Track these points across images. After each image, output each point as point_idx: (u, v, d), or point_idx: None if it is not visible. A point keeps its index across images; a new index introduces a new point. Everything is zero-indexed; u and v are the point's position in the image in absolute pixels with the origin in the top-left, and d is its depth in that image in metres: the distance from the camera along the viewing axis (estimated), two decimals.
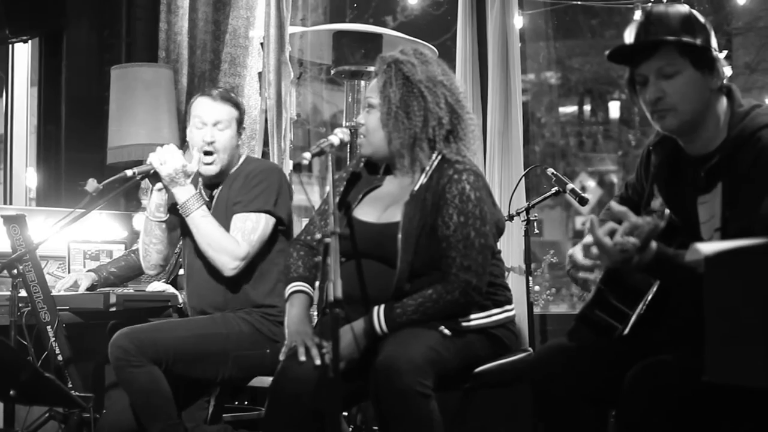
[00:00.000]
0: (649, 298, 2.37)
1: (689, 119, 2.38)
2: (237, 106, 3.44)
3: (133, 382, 3.11)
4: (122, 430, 3.25)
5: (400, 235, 2.74)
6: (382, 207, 2.87)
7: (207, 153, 3.36)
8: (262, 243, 3.33)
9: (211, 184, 3.46)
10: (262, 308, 3.33)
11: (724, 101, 2.43)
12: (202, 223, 3.27)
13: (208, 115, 3.37)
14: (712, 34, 2.40)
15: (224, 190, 3.42)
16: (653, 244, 2.23)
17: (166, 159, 3.25)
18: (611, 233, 2.25)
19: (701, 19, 2.39)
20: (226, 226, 3.32)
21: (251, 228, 3.29)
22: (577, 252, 2.41)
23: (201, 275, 3.36)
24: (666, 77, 2.36)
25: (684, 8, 2.40)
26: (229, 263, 3.26)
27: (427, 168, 2.81)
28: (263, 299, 3.34)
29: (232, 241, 3.26)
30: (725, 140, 2.39)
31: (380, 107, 2.83)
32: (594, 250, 2.30)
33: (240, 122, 3.44)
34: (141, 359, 3.10)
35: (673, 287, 2.35)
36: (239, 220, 3.31)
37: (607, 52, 2.44)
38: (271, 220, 3.34)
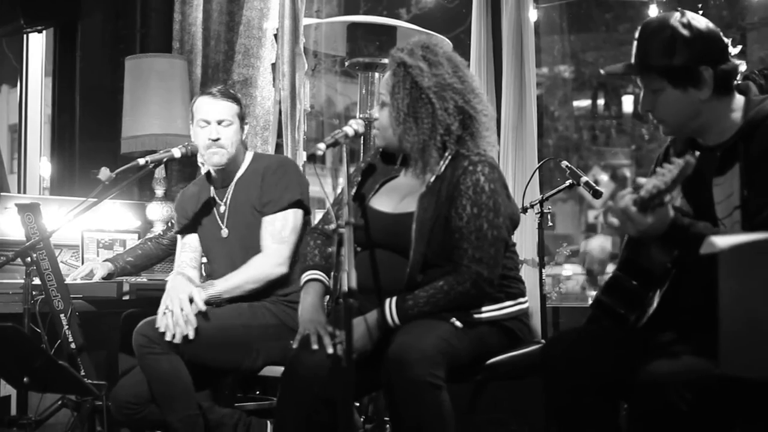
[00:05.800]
0: (664, 289, 2.39)
1: (679, 129, 2.50)
2: (237, 101, 3.50)
3: (155, 369, 3.13)
4: (134, 398, 3.25)
5: (414, 226, 2.74)
6: (398, 197, 2.87)
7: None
8: (297, 235, 3.39)
9: (222, 186, 3.51)
10: (288, 296, 3.35)
11: (732, 101, 2.46)
12: (232, 289, 3.31)
13: (211, 113, 3.43)
14: (709, 45, 2.40)
15: (239, 191, 3.46)
16: (671, 212, 2.25)
17: (173, 302, 3.20)
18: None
19: (688, 34, 2.39)
20: (252, 224, 3.40)
21: (280, 227, 3.37)
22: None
23: (229, 269, 3.39)
24: (654, 92, 2.46)
25: (669, 27, 2.41)
26: (272, 273, 3.34)
27: (440, 168, 2.80)
28: (288, 287, 3.37)
29: (257, 265, 3.33)
30: (741, 126, 2.43)
31: (390, 108, 2.83)
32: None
33: (242, 117, 3.50)
34: (164, 347, 3.12)
35: (688, 271, 2.36)
36: (268, 222, 3.39)
37: (602, 71, 2.60)
38: (300, 212, 3.41)
